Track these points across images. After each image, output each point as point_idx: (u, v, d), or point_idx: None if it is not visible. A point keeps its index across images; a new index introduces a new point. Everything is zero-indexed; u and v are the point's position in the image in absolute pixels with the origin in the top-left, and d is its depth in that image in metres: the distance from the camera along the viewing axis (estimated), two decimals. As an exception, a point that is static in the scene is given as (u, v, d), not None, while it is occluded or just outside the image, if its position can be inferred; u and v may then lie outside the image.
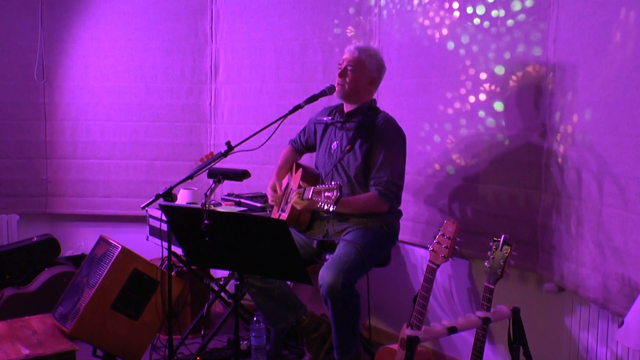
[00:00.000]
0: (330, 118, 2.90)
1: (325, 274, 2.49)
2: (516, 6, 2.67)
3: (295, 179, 2.93)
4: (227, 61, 3.96)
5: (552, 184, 2.53)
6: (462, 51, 2.91)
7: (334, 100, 2.90)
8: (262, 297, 2.76)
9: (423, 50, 3.12)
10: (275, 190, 2.96)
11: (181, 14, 3.98)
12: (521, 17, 2.65)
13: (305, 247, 2.81)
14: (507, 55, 2.73)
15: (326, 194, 2.28)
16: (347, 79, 2.74)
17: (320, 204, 2.29)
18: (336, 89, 2.77)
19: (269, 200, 2.99)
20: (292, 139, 3.15)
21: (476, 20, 2.84)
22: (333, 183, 2.28)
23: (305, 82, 3.70)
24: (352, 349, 2.59)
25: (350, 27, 3.53)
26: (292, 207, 2.63)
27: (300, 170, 2.90)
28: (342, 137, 2.81)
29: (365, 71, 2.75)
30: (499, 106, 2.78)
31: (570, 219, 2.38)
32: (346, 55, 2.78)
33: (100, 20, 4.02)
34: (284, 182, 3.07)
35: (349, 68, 2.74)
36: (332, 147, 2.84)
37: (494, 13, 2.76)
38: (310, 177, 2.87)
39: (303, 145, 3.10)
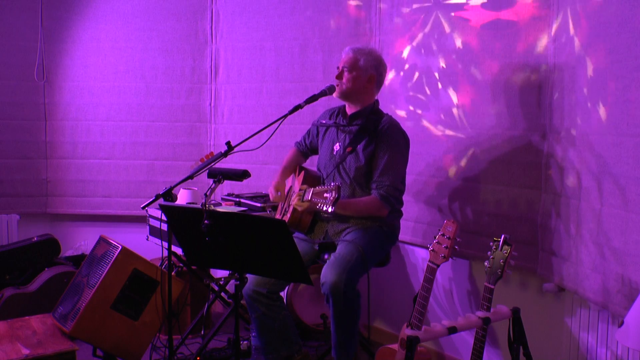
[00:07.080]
0: (332, 120, 2.90)
1: (328, 273, 2.49)
2: (517, 6, 2.67)
3: (297, 182, 2.92)
4: (227, 61, 3.96)
5: (552, 184, 2.53)
6: (462, 51, 2.92)
7: (334, 100, 2.90)
8: (262, 323, 2.73)
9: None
10: (277, 190, 2.95)
11: (181, 14, 3.98)
12: (521, 17, 2.65)
13: (306, 255, 2.79)
14: (507, 55, 2.73)
15: (325, 195, 2.27)
16: (344, 79, 2.75)
17: (319, 205, 2.29)
18: (335, 89, 2.78)
19: (271, 198, 2.97)
20: (297, 141, 3.14)
21: (476, 20, 2.84)
22: (332, 184, 2.27)
23: (305, 82, 3.70)
24: (350, 348, 2.59)
25: (350, 27, 3.53)
26: (294, 210, 2.63)
27: (303, 173, 2.90)
28: (344, 139, 2.81)
29: (361, 70, 2.74)
30: (499, 106, 2.78)
31: (570, 219, 2.38)
32: (342, 57, 2.79)
33: (100, 20, 4.02)
34: (287, 183, 3.07)
35: (345, 68, 2.75)
36: (335, 148, 2.83)
37: (494, 13, 2.77)
38: (312, 180, 2.86)
39: (307, 147, 3.09)
